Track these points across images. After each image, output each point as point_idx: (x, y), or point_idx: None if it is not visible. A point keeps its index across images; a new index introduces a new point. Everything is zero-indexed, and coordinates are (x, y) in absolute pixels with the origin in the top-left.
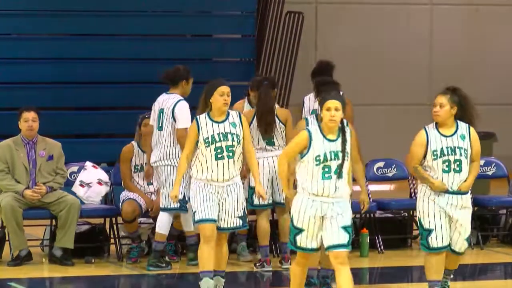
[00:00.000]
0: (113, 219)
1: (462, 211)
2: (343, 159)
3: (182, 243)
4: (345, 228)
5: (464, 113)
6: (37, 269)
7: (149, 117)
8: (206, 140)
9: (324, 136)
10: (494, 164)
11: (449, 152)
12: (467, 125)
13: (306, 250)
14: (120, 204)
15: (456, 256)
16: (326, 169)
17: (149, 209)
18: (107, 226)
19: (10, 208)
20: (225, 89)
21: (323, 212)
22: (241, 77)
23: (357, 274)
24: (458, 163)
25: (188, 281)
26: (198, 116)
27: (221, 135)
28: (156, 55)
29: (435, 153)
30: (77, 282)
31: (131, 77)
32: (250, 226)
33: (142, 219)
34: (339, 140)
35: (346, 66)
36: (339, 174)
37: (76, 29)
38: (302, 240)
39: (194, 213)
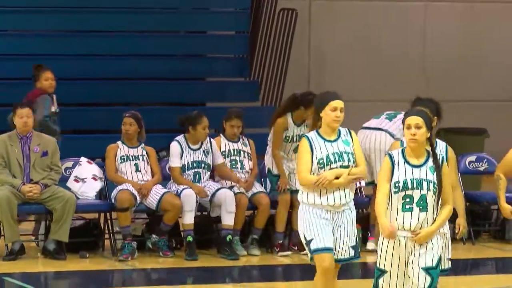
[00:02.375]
0: (107, 214)
1: None
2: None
3: (175, 238)
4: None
5: None
6: (32, 263)
7: (128, 116)
8: (321, 161)
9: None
10: (485, 160)
11: None
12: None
13: None
14: (114, 196)
15: None
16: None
17: (141, 196)
18: (102, 221)
19: (7, 200)
20: (338, 103)
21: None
22: (235, 74)
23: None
24: None
25: (182, 275)
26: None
27: (336, 155)
28: (151, 51)
29: None
30: (71, 276)
31: (126, 73)
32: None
33: (136, 215)
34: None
35: (341, 62)
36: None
37: (69, 25)
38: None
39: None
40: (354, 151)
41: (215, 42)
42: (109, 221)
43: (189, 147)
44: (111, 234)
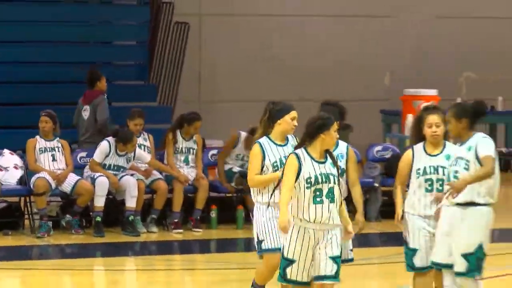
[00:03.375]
0: (27, 198)
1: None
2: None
3: (85, 218)
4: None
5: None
6: None
7: (44, 115)
8: (275, 164)
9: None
10: (390, 148)
11: None
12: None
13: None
14: (32, 182)
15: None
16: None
17: (57, 183)
18: (22, 204)
19: None
20: (296, 114)
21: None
22: (136, 78)
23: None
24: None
25: (91, 250)
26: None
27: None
28: (66, 59)
29: None
30: None
31: (45, 77)
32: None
33: (52, 198)
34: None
35: (228, 71)
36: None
37: None
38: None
39: (262, 241)
40: None
41: (120, 51)
42: (28, 204)
43: (116, 151)
44: (30, 215)
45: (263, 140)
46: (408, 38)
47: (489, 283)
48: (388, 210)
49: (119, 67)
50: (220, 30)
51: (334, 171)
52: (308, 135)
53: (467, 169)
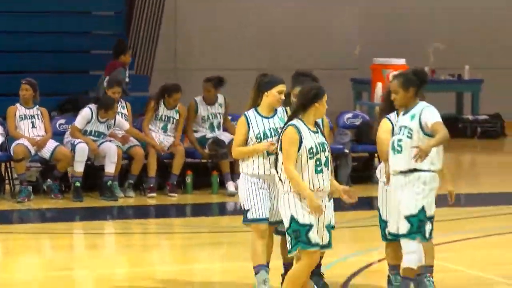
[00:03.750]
0: (7, 163)
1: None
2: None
3: (64, 184)
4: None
5: None
6: None
7: (25, 83)
8: (258, 136)
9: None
10: (360, 116)
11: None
12: None
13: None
14: (12, 148)
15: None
16: None
17: (36, 148)
18: (3, 169)
19: None
20: (284, 87)
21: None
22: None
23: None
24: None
25: (70, 214)
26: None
27: (272, 130)
28: (47, 29)
29: None
30: None
31: (26, 47)
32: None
33: (31, 164)
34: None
35: (202, 38)
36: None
37: None
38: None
39: (248, 211)
40: None
41: (99, 21)
42: (8, 170)
43: (97, 118)
44: (10, 180)
45: (250, 112)
46: (377, 8)
47: (450, 247)
48: (357, 176)
49: (97, 37)
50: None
51: (325, 139)
52: (303, 105)
53: (410, 137)
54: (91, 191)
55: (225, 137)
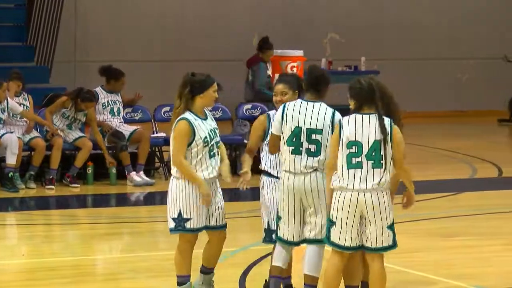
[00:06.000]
0: None
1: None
2: None
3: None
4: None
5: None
6: None
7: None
8: (206, 140)
9: None
10: (220, 109)
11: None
12: None
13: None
14: None
15: None
16: None
17: None
18: None
19: None
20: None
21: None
22: (15, 39)
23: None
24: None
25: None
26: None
27: (212, 132)
28: None
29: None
30: None
31: None
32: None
33: None
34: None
35: (103, 29)
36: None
37: None
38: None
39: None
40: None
41: None
42: None
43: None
44: None
45: (189, 116)
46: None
47: None
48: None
49: None
50: None
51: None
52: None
53: None
54: None
55: (124, 129)
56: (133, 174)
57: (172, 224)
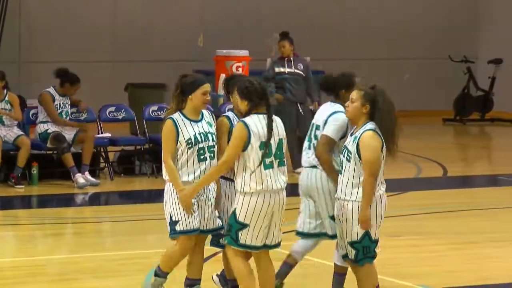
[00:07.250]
0: None
1: None
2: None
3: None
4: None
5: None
6: None
7: None
8: (189, 141)
9: None
10: (165, 108)
11: None
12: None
13: None
14: None
15: None
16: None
17: None
18: None
19: None
20: (208, 87)
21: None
22: None
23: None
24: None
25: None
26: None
27: (202, 135)
28: None
29: None
30: None
31: None
32: None
33: None
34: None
35: (48, 30)
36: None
37: None
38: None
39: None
40: (215, 132)
41: None
42: None
43: None
44: None
45: (176, 116)
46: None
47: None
48: None
49: None
50: None
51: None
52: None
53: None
54: None
55: (68, 132)
56: (78, 175)
57: (168, 229)
